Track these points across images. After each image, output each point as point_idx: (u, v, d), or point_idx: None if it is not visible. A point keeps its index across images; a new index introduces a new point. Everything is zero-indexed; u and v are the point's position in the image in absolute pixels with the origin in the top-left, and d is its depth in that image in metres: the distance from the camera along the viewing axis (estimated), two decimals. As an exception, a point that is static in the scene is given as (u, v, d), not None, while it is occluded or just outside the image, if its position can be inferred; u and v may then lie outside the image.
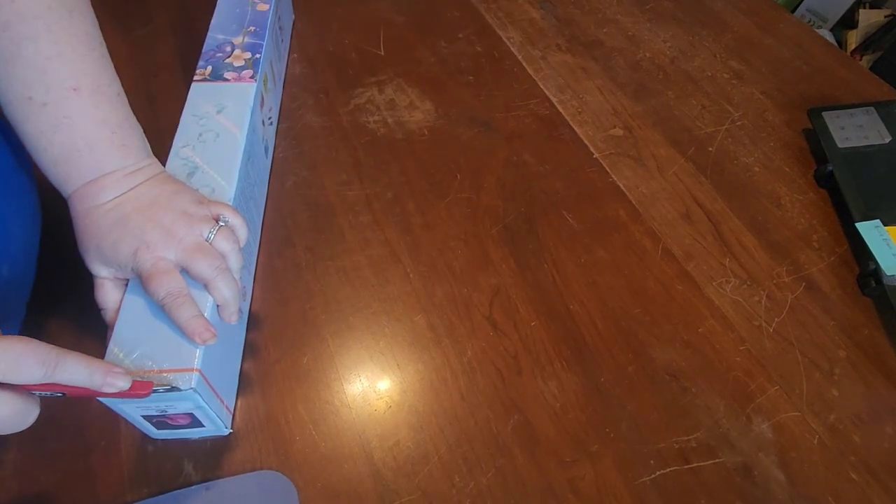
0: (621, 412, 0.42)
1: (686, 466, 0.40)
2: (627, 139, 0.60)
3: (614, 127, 0.61)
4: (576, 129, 0.61)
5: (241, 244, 0.40)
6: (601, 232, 0.52)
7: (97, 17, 0.37)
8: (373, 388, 0.43)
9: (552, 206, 0.54)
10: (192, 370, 0.34)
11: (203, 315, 0.35)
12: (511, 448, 0.40)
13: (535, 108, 0.63)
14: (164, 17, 0.70)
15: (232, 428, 0.41)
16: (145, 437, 0.40)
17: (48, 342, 0.27)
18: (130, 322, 0.36)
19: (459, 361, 0.44)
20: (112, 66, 0.37)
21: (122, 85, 0.60)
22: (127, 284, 0.37)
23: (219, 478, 0.38)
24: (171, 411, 0.36)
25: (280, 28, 0.63)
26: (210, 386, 0.36)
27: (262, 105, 0.53)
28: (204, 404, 0.36)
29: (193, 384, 0.34)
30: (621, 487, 0.39)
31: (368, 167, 0.56)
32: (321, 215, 0.53)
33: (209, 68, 0.52)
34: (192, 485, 0.38)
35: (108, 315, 0.37)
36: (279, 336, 0.45)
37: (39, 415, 0.29)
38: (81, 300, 0.38)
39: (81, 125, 0.34)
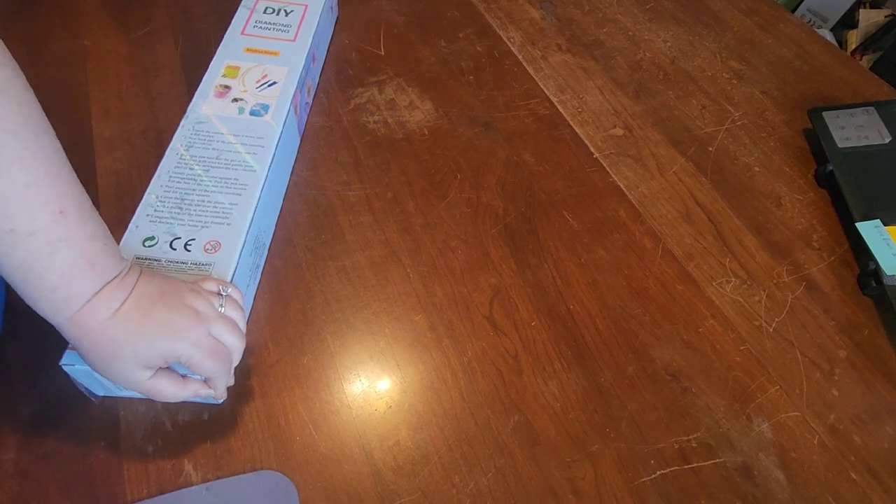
0: (621, 412, 0.42)
1: (686, 466, 0.40)
2: (627, 139, 0.60)
3: (614, 127, 0.61)
4: (576, 128, 0.61)
5: (241, 305, 0.40)
6: (601, 232, 0.52)
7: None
8: (373, 388, 0.43)
9: (552, 205, 0.54)
10: None
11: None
12: (511, 448, 0.40)
13: (535, 107, 0.63)
14: (164, 17, 0.70)
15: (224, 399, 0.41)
16: (145, 437, 0.40)
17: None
18: None
19: (459, 361, 0.44)
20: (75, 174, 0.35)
21: (122, 85, 0.61)
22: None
23: (219, 478, 0.38)
24: None
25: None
26: None
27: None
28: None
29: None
30: (621, 487, 0.39)
31: (369, 167, 0.56)
32: (321, 215, 0.53)
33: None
34: (191, 485, 0.38)
35: (183, 395, 0.36)
36: (279, 336, 0.45)
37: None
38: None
39: (78, 245, 0.33)
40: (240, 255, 0.42)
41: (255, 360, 0.44)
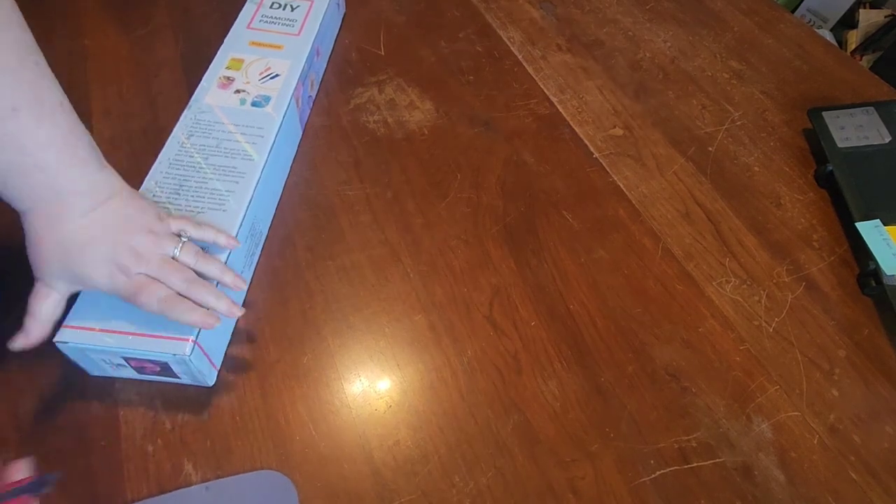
0: (621, 412, 0.42)
1: (686, 466, 0.40)
2: (627, 139, 0.60)
3: (614, 127, 0.61)
4: (576, 128, 0.61)
5: (223, 243, 0.41)
6: (601, 231, 0.52)
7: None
8: (373, 387, 0.43)
9: (552, 205, 0.54)
10: (186, 339, 0.37)
11: (197, 305, 0.37)
12: (511, 448, 0.40)
13: (535, 107, 0.63)
14: (164, 17, 0.70)
15: (216, 382, 0.42)
16: (145, 436, 0.40)
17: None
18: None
19: (459, 361, 0.44)
20: (50, 73, 0.34)
21: (123, 84, 0.61)
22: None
23: (218, 477, 0.38)
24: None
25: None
26: (202, 350, 0.39)
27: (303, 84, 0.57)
28: (194, 370, 0.38)
29: (188, 352, 0.37)
30: (621, 487, 0.39)
31: (369, 167, 0.56)
32: (321, 215, 0.53)
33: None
34: (191, 484, 0.38)
35: (35, 325, 0.36)
36: (279, 335, 0.45)
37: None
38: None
39: (27, 147, 0.32)
40: None
41: (255, 360, 0.44)
